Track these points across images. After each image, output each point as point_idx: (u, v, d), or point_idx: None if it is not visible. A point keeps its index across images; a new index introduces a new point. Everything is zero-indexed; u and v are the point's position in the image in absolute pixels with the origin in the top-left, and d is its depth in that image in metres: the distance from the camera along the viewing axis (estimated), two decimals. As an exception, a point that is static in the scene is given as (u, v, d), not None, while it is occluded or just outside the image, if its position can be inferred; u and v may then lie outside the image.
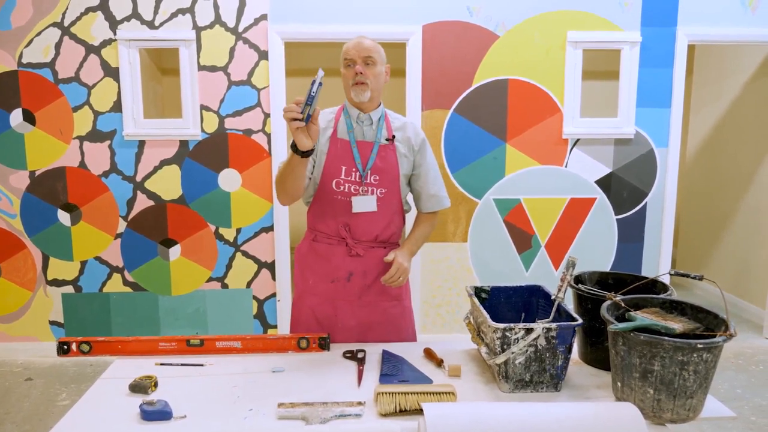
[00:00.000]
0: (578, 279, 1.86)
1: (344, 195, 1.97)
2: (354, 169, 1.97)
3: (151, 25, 3.65)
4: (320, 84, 1.62)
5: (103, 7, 3.61)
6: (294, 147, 1.74)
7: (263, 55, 3.71)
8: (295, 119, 1.64)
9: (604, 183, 3.93)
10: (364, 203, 1.98)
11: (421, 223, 2.15)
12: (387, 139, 2.01)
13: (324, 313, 2.04)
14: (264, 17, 3.67)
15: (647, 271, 4.00)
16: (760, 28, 3.80)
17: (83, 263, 3.85)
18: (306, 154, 1.74)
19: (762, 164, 4.58)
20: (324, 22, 3.69)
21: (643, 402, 1.40)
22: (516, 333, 1.53)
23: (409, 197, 2.14)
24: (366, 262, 2.01)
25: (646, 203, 3.97)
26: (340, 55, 2.00)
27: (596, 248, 3.99)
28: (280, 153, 3.77)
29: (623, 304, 1.57)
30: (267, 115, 3.75)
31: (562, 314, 1.67)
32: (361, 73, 1.92)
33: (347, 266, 2.01)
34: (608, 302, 1.57)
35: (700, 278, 1.63)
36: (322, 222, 2.03)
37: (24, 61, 3.64)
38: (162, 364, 1.75)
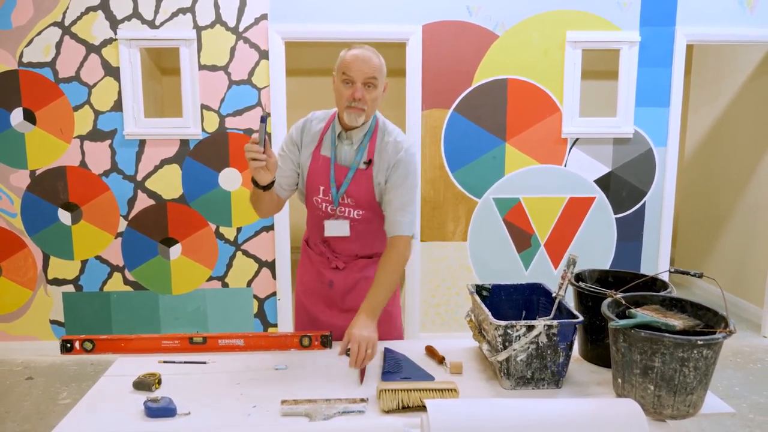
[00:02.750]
0: (579, 277, 1.87)
1: (323, 213, 1.94)
2: (330, 191, 1.91)
3: (151, 24, 3.66)
4: (264, 122, 1.59)
5: (104, 6, 3.62)
6: (255, 182, 1.70)
7: (263, 55, 3.71)
8: (256, 159, 1.60)
9: (603, 182, 3.95)
10: (337, 228, 1.93)
11: (383, 264, 1.82)
12: (365, 162, 1.87)
13: (317, 314, 2.07)
14: (264, 17, 3.68)
15: (646, 270, 4.02)
16: (758, 28, 3.82)
17: (84, 262, 3.85)
18: (267, 187, 1.71)
19: (760, 163, 4.59)
20: (324, 22, 3.70)
21: (643, 398, 1.42)
22: (517, 330, 1.55)
23: None
24: (347, 272, 2.02)
25: (644, 202, 3.98)
26: (336, 61, 1.83)
27: (595, 247, 4.01)
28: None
29: (624, 302, 1.58)
30: (268, 115, 3.76)
31: (563, 312, 1.68)
32: (359, 99, 1.76)
33: (328, 275, 2.02)
34: (609, 300, 1.59)
35: (700, 276, 1.64)
36: (308, 229, 2.06)
37: (24, 60, 3.64)
38: (165, 362, 1.76)
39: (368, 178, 1.88)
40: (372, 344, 1.61)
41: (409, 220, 1.86)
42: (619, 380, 1.48)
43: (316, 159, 1.91)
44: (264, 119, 1.58)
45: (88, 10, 3.61)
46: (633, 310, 1.51)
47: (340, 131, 1.89)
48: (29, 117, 3.70)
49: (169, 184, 3.80)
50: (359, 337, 1.61)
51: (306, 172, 1.93)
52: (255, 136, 1.62)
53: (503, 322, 1.54)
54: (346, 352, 1.70)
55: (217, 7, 3.65)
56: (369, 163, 1.87)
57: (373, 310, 1.73)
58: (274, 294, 3.95)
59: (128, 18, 3.64)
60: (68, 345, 1.81)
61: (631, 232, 4.01)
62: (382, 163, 1.87)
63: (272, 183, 1.72)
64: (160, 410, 1.43)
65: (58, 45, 3.64)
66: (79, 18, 3.62)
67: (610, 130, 3.88)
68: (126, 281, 3.89)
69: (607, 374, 1.67)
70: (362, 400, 1.50)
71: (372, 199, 1.91)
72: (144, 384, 1.58)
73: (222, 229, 3.87)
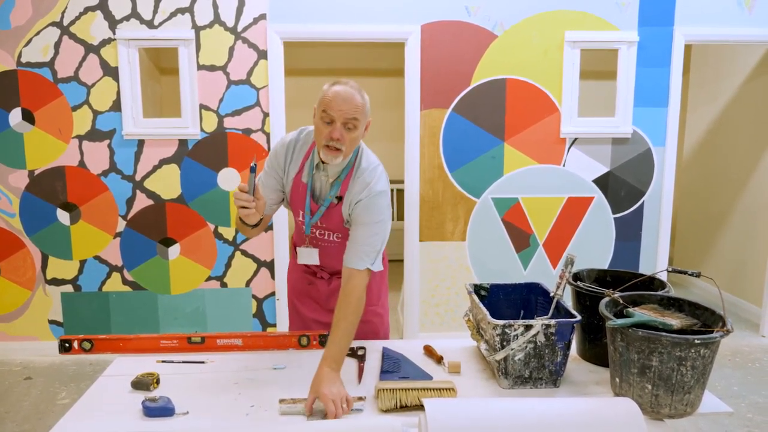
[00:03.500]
0: (577, 276, 1.88)
1: (302, 234, 1.97)
2: (302, 217, 1.91)
3: (150, 24, 3.66)
4: (253, 172, 1.59)
5: (103, 6, 3.61)
6: (242, 220, 1.69)
7: (262, 55, 3.71)
8: (246, 207, 1.57)
9: (602, 182, 3.95)
10: (307, 255, 1.96)
11: (342, 309, 1.70)
12: (337, 197, 1.84)
13: (306, 312, 2.10)
14: (263, 17, 3.68)
15: (644, 270, 4.02)
16: (756, 28, 3.82)
17: (82, 262, 3.85)
18: (255, 225, 1.73)
19: (759, 163, 4.60)
20: (323, 22, 3.70)
21: (641, 397, 1.42)
22: (515, 330, 1.55)
23: None
24: (335, 280, 2.05)
25: (643, 202, 3.99)
26: (319, 94, 1.75)
27: (594, 247, 4.01)
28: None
29: (621, 301, 1.58)
30: (266, 115, 3.76)
31: (561, 311, 1.69)
32: (338, 139, 1.69)
33: (316, 282, 2.08)
34: (606, 299, 1.59)
35: (698, 275, 1.65)
36: (296, 235, 2.08)
37: (23, 60, 3.64)
38: (163, 362, 1.76)
39: (338, 213, 1.85)
40: (345, 398, 1.47)
41: (369, 257, 1.76)
42: (617, 379, 1.48)
43: (297, 184, 1.88)
44: (253, 169, 1.57)
45: (87, 10, 3.61)
46: (631, 310, 1.52)
47: (318, 162, 1.84)
48: (28, 117, 3.70)
49: (168, 184, 3.80)
50: (331, 395, 1.46)
51: (289, 195, 1.92)
52: (242, 184, 1.58)
53: (501, 322, 1.55)
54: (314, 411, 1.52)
55: (215, 7, 3.65)
56: (340, 199, 1.84)
57: (336, 361, 1.60)
58: (272, 294, 3.95)
59: (127, 18, 3.64)
60: (67, 345, 1.81)
61: (629, 232, 4.01)
62: (349, 198, 1.83)
63: (260, 220, 1.74)
64: (159, 410, 1.44)
65: (57, 45, 3.64)
66: (77, 18, 3.62)
67: (608, 130, 3.88)
68: (125, 281, 3.89)
69: (605, 373, 1.68)
70: (360, 399, 1.51)
71: (346, 228, 1.88)
72: (142, 384, 1.58)
73: (221, 229, 3.87)
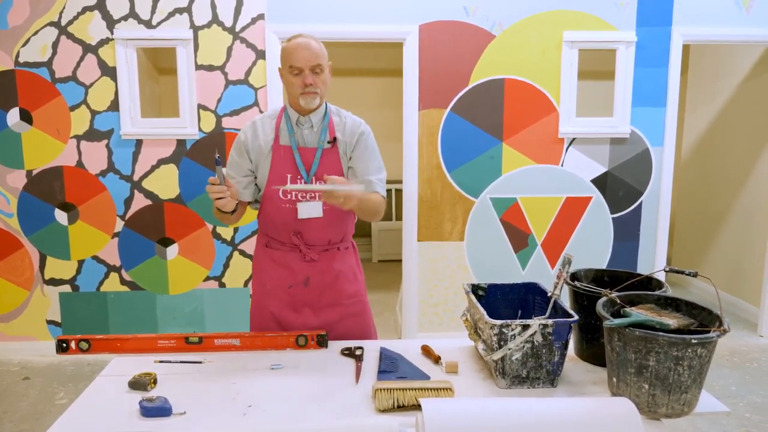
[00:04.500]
0: (574, 276, 1.88)
1: (291, 203, 1.95)
2: (299, 176, 1.94)
3: (148, 24, 3.65)
4: (219, 164, 1.75)
5: (101, 6, 3.61)
6: (219, 210, 1.87)
7: (260, 55, 3.71)
8: (221, 197, 1.77)
9: (600, 182, 3.95)
10: (310, 209, 1.95)
11: None
12: (329, 142, 1.96)
13: (286, 318, 2.04)
14: (261, 17, 3.68)
15: (643, 270, 4.02)
16: (754, 28, 3.83)
17: (80, 262, 3.85)
18: (233, 211, 1.92)
19: (757, 163, 4.60)
20: (321, 22, 3.70)
21: (638, 397, 1.42)
22: (513, 329, 1.55)
23: None
24: (322, 265, 2.02)
25: (641, 202, 3.99)
26: (279, 54, 1.95)
27: (592, 247, 4.02)
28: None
29: (619, 301, 1.58)
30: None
31: (558, 311, 1.69)
32: (311, 84, 1.87)
33: (304, 271, 2.01)
34: (604, 299, 1.59)
35: (695, 275, 1.65)
36: (273, 229, 2.02)
37: (21, 60, 3.64)
38: (161, 362, 1.76)
39: (335, 155, 1.97)
40: (350, 197, 1.70)
41: (382, 183, 2.00)
42: (614, 379, 1.48)
43: (278, 150, 1.96)
44: (218, 161, 1.73)
45: (85, 9, 3.61)
46: (628, 309, 1.52)
47: (297, 117, 1.96)
48: (26, 117, 3.69)
49: (166, 184, 3.80)
50: (344, 190, 1.69)
51: (268, 166, 1.96)
52: (213, 178, 1.76)
53: (498, 321, 1.55)
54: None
55: (213, 7, 3.65)
56: (333, 141, 1.96)
57: (362, 196, 1.82)
58: (271, 294, 3.94)
59: (125, 18, 3.63)
60: (64, 345, 1.80)
61: (627, 232, 4.01)
62: (344, 139, 1.98)
63: (236, 206, 1.92)
64: (156, 410, 1.43)
65: (55, 45, 3.63)
66: (75, 18, 3.62)
67: (606, 130, 3.89)
68: (123, 281, 3.89)
69: (603, 373, 1.68)
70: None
71: (340, 176, 1.96)
72: (139, 384, 1.58)
73: (219, 229, 3.87)
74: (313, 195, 1.93)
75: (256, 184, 2.03)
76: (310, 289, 2.02)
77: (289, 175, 1.94)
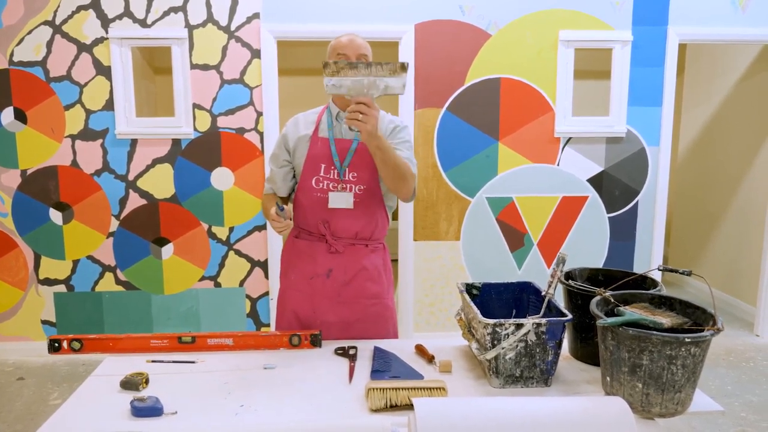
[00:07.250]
0: (569, 275, 1.87)
1: (323, 192, 1.99)
2: (332, 167, 1.99)
3: (143, 23, 3.64)
4: (282, 210, 1.83)
5: (95, 5, 3.60)
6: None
7: (256, 54, 3.70)
8: (284, 229, 1.84)
9: (596, 181, 3.95)
10: (341, 199, 1.98)
11: None
12: None
13: (304, 311, 2.05)
14: (256, 16, 3.67)
15: (639, 269, 4.03)
16: (750, 28, 3.83)
17: (75, 262, 3.83)
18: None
19: (753, 162, 4.61)
20: (316, 21, 3.70)
21: (632, 396, 1.41)
22: (506, 329, 1.54)
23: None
24: (346, 259, 2.01)
25: (637, 201, 3.99)
26: (327, 52, 2.01)
27: (588, 246, 4.01)
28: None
29: (612, 300, 1.58)
30: (259, 114, 3.75)
31: (552, 310, 1.68)
32: None
33: (327, 263, 2.01)
34: (597, 298, 1.58)
35: (689, 273, 1.64)
36: (303, 219, 2.06)
37: (15, 59, 3.62)
38: (153, 362, 1.75)
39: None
40: (371, 116, 1.70)
41: (412, 161, 2.02)
42: (608, 378, 1.48)
43: (315, 141, 2.02)
44: (282, 208, 1.82)
45: (79, 8, 3.60)
46: (621, 308, 1.51)
47: (338, 112, 2.03)
48: (20, 116, 3.68)
49: (161, 183, 3.79)
50: (370, 105, 1.71)
51: (305, 157, 2.01)
52: (275, 211, 1.83)
53: (492, 321, 1.54)
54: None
55: (208, 6, 3.64)
56: None
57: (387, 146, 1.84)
58: (266, 294, 3.94)
59: (119, 17, 3.62)
60: (56, 344, 1.79)
61: (623, 232, 4.01)
62: (381, 132, 1.98)
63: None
64: (147, 410, 1.42)
65: (49, 44, 3.62)
66: (70, 17, 3.60)
67: (602, 130, 3.88)
68: (118, 281, 3.87)
69: (596, 372, 1.67)
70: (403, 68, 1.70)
71: (374, 172, 1.99)
72: (131, 383, 1.57)
73: (214, 229, 3.86)
74: (344, 186, 1.98)
75: (294, 176, 2.11)
76: (331, 281, 2.01)
77: (323, 165, 1.99)
